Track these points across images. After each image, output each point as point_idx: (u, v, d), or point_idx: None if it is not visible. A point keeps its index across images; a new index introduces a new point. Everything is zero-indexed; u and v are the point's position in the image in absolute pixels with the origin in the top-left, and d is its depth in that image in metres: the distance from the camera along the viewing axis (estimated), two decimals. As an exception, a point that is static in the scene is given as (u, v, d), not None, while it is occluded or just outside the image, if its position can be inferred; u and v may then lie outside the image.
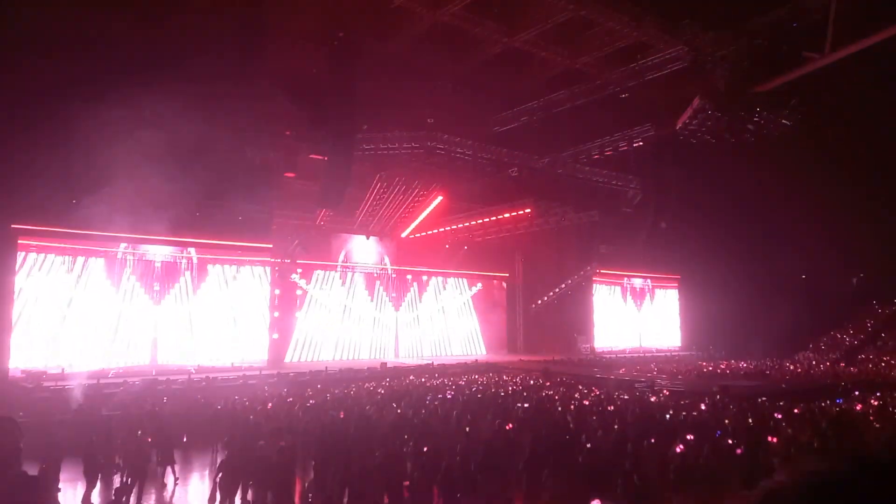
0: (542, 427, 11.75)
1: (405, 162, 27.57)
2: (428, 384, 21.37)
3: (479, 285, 38.77)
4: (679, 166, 30.96)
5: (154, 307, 25.60)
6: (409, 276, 35.70)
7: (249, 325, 27.74)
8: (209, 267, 27.17)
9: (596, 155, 31.66)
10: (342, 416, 12.86)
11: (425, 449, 9.58)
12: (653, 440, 10.24)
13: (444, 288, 37.32)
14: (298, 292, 30.88)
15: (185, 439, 13.06)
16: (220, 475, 9.21)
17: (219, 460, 10.19)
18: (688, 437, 10.31)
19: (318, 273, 31.84)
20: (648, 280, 43.40)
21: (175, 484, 11.29)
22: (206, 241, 26.39)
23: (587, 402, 15.85)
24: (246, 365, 25.62)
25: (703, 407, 14.75)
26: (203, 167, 20.62)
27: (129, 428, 11.90)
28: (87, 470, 9.96)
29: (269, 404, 15.17)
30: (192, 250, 26.65)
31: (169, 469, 11.43)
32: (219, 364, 25.39)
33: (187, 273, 26.57)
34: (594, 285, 39.92)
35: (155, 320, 25.45)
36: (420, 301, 36.04)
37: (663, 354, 39.08)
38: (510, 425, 11.65)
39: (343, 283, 32.77)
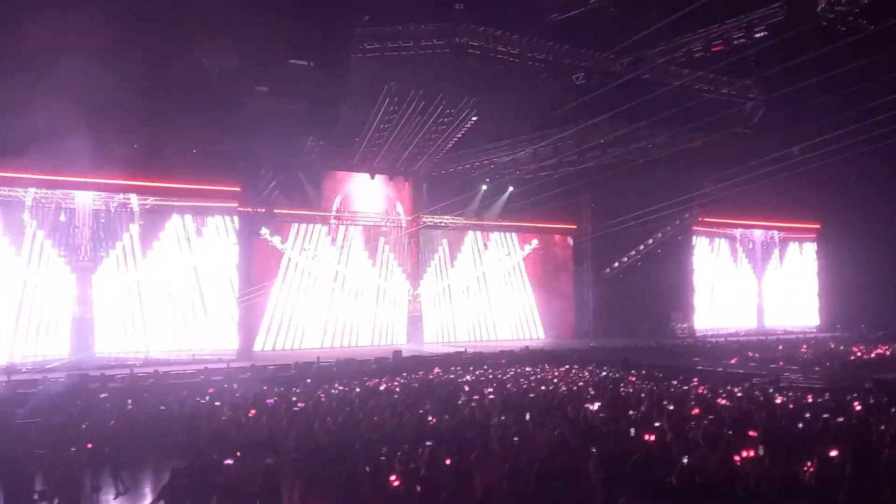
0: (619, 439, 11.85)
1: (425, 67, 27.35)
2: (460, 381, 21.62)
3: (535, 242, 38.89)
4: (819, 67, 30.13)
5: (81, 276, 26.17)
6: (433, 232, 35.88)
7: (214, 301, 28.23)
8: (158, 220, 27.66)
9: (699, 51, 30.89)
10: (339, 420, 13.12)
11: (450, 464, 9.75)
12: (776, 456, 10.26)
13: (486, 247, 37.51)
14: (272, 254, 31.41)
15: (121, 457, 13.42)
16: (161, 502, 9.50)
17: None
18: (830, 452, 10.33)
19: (300, 228, 32.17)
20: (774, 232, 42.89)
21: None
22: (150, 184, 26.78)
23: (689, 404, 15.90)
24: (209, 356, 26.30)
25: (856, 408, 14.74)
26: (141, 80, 20.72)
27: (52, 441, 12.31)
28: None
29: (252, 411, 15.47)
30: (132, 197, 27.01)
31: (108, 497, 11.83)
32: (173, 354, 26.11)
33: (131, 229, 27.02)
34: (695, 239, 39.58)
35: (83, 295, 26.04)
36: (451, 266, 36.32)
37: (794, 336, 38.84)
38: (573, 437, 11.78)
39: (334, 242, 33.08)
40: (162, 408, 16.54)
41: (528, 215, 37.35)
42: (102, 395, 18.33)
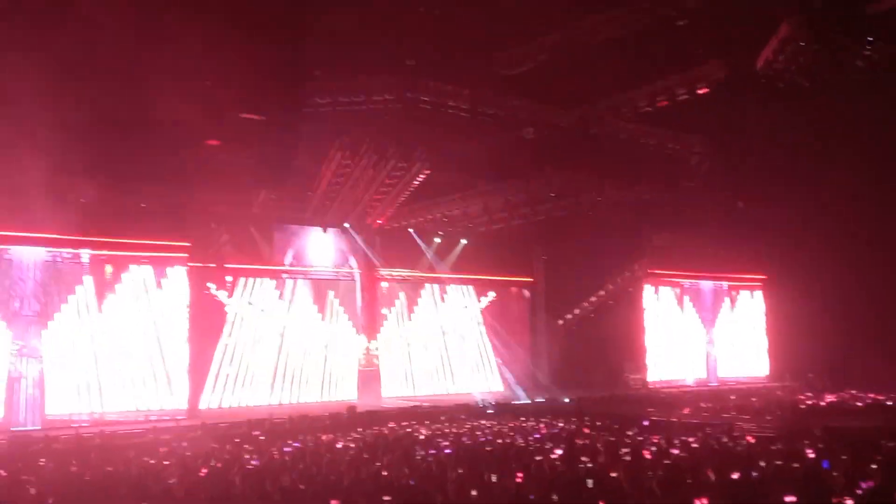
0: (578, 490, 11.79)
1: (376, 121, 27.55)
2: (415, 434, 21.45)
3: (492, 294, 39.05)
4: (761, 120, 31.07)
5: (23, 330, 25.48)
6: (389, 285, 35.87)
7: (167, 357, 27.58)
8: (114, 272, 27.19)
9: (645, 106, 31.63)
10: (294, 476, 12.86)
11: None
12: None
13: (443, 299, 37.69)
14: (225, 309, 30.97)
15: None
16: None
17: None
18: (786, 499, 10.39)
19: (246, 282, 31.79)
20: (723, 283, 43.57)
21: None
22: (98, 240, 26.31)
23: (646, 453, 15.93)
24: (157, 414, 25.83)
25: (810, 454, 14.87)
26: (90, 132, 20.58)
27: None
28: None
29: (203, 470, 15.11)
30: (85, 252, 26.51)
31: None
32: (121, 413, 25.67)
33: (84, 281, 26.50)
34: (645, 291, 40.05)
35: (16, 349, 25.24)
36: (408, 319, 36.34)
37: (744, 386, 39.25)
38: (532, 488, 11.68)
39: (282, 297, 32.81)
40: (109, 469, 16.06)
41: (482, 267, 37.52)
42: (41, 461, 17.77)
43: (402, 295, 36.49)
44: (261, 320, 31.98)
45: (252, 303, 31.82)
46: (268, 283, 32.37)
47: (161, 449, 19.64)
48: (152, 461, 17.13)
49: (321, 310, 33.80)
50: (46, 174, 22.42)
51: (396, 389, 35.11)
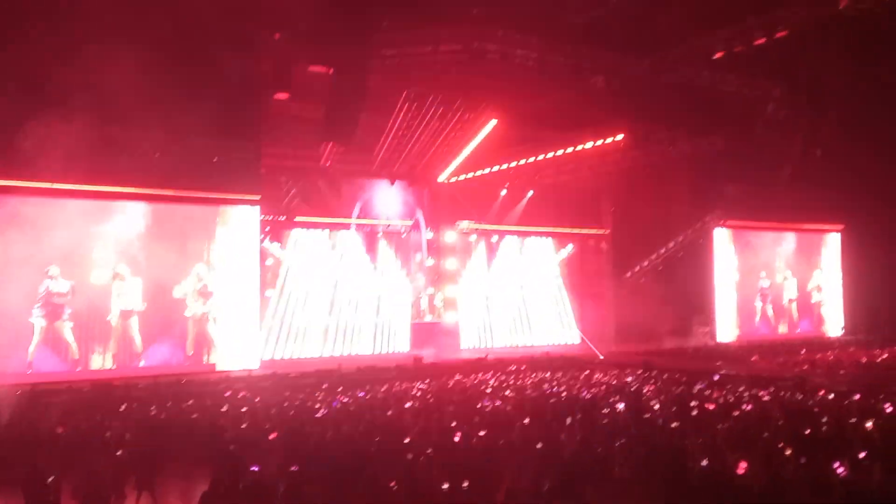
0: (642, 440, 11.83)
1: (443, 72, 27.37)
2: (482, 386, 21.66)
3: (571, 247, 39.12)
4: (844, 64, 29.89)
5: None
6: (459, 237, 35.98)
7: (238, 310, 28.22)
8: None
9: (720, 52, 30.69)
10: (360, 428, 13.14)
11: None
12: (802, 460, 10.20)
13: (521, 252, 37.85)
14: (269, 262, 31.28)
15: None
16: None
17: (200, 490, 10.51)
18: (859, 454, 10.27)
19: (299, 233, 32.12)
20: (797, 234, 42.53)
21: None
22: (173, 193, 26.76)
23: (711, 406, 15.86)
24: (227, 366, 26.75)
25: (887, 409, 14.64)
26: (159, 88, 20.92)
27: (78, 448, 12.43)
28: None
29: (268, 426, 15.46)
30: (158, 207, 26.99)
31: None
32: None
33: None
34: (717, 242, 39.35)
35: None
36: (486, 271, 36.69)
37: (817, 340, 38.50)
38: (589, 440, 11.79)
39: (334, 248, 32.99)
40: (194, 416, 16.71)
41: (554, 219, 37.41)
42: (123, 406, 18.49)
43: (480, 247, 36.65)
44: (316, 272, 32.33)
45: (306, 256, 32.16)
46: (321, 236, 32.67)
47: (240, 394, 20.32)
48: (224, 409, 17.70)
49: (373, 262, 33.95)
50: (120, 129, 22.92)
51: (471, 341, 35.45)
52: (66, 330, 25.21)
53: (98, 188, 25.42)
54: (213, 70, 24.14)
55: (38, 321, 24.69)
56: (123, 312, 26.06)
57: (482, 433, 12.64)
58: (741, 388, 19.76)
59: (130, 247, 26.24)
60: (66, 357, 25.21)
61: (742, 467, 9.62)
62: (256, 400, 19.23)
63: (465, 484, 9.54)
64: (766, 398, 17.92)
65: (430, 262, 35.60)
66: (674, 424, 13.44)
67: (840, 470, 9.48)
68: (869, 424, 13.02)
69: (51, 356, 24.94)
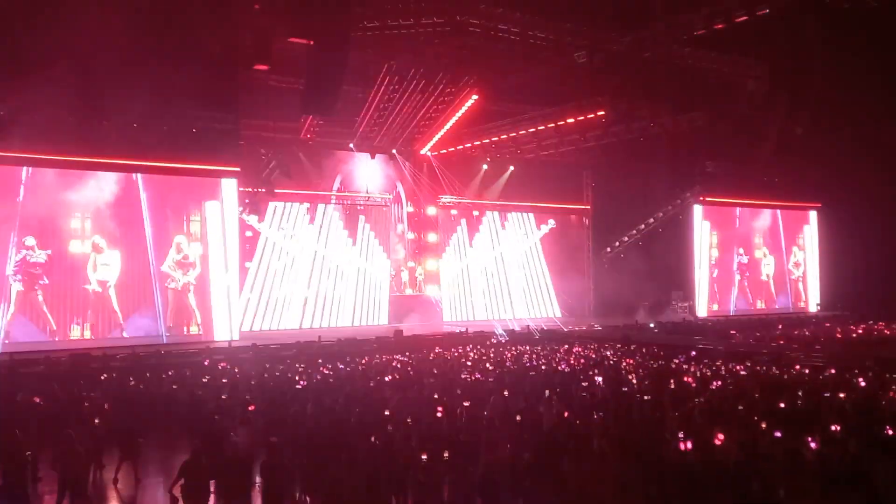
0: (619, 414, 11.94)
1: (424, 45, 27.20)
2: (462, 359, 21.71)
3: (552, 223, 39.13)
4: (824, 43, 29.96)
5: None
6: (433, 211, 35.90)
7: (215, 281, 28.06)
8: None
9: (700, 30, 30.69)
10: (340, 399, 13.15)
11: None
12: (778, 433, 10.29)
13: (503, 227, 37.91)
14: (248, 234, 31.09)
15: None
16: (181, 481, 9.54)
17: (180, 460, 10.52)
18: (832, 427, 10.37)
19: (279, 205, 31.91)
20: (775, 211, 42.81)
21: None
22: (151, 164, 26.48)
23: (689, 381, 16.00)
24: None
25: (861, 383, 14.84)
26: (139, 59, 20.70)
27: (55, 419, 12.37)
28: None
29: (248, 395, 15.48)
30: (138, 177, 26.79)
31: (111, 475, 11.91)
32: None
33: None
34: (696, 218, 39.56)
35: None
36: (468, 246, 36.73)
37: (794, 316, 38.91)
38: (568, 413, 11.85)
39: (312, 221, 32.81)
40: (174, 387, 16.80)
41: (530, 195, 37.34)
42: (103, 376, 18.43)
43: (461, 221, 36.66)
44: (294, 246, 32.22)
45: (285, 228, 32.01)
46: (300, 209, 32.48)
47: (220, 365, 20.30)
48: (205, 380, 17.68)
49: (352, 235, 33.79)
50: (98, 99, 22.66)
51: (452, 314, 35.54)
52: (42, 300, 25.04)
53: (76, 158, 25.19)
54: (192, 41, 23.83)
55: (14, 292, 24.51)
56: (101, 283, 25.90)
57: (464, 404, 12.70)
58: (718, 363, 19.94)
59: (108, 218, 26.07)
60: (44, 328, 25.06)
61: (719, 438, 9.72)
62: (236, 371, 19.24)
63: (445, 455, 9.60)
64: (743, 373, 18.10)
65: (410, 235, 35.53)
66: (651, 398, 13.55)
67: (812, 444, 9.58)
68: (843, 397, 13.21)
69: (28, 327, 24.81)
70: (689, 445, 9.75)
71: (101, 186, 25.90)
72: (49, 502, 10.46)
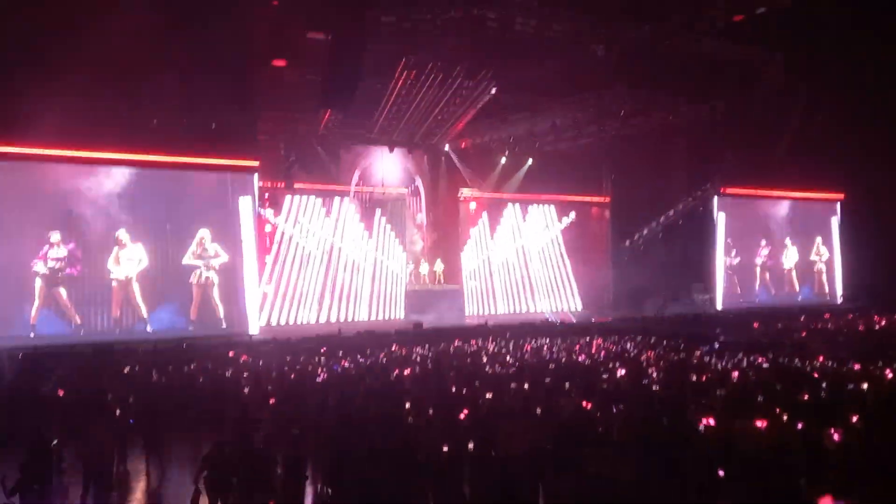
0: (639, 404, 11.91)
1: (442, 39, 27.17)
2: (481, 353, 21.75)
3: (573, 215, 38.89)
4: (842, 34, 29.68)
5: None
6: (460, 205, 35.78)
7: (237, 275, 28.22)
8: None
9: (720, 19, 30.48)
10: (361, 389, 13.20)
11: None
12: (800, 425, 10.25)
13: (524, 220, 37.70)
14: (267, 228, 31.04)
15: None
16: (204, 473, 9.60)
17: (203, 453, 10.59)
18: (852, 418, 10.31)
19: (294, 200, 31.70)
20: (796, 202, 42.45)
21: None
22: (172, 159, 26.74)
23: (710, 373, 15.93)
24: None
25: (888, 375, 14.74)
26: (158, 55, 20.83)
27: (78, 412, 12.52)
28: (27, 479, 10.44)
29: (269, 387, 15.58)
30: (160, 172, 26.95)
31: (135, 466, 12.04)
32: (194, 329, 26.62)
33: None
34: (716, 210, 39.30)
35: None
36: (491, 239, 36.59)
37: (815, 307, 38.59)
38: (588, 403, 11.85)
39: (332, 214, 32.57)
40: (200, 380, 16.96)
41: (550, 187, 37.21)
42: (126, 369, 18.59)
43: (485, 215, 36.48)
44: (311, 239, 32.10)
45: (302, 222, 31.87)
46: (317, 203, 32.21)
47: (242, 359, 20.42)
48: (227, 373, 17.80)
49: (369, 228, 33.44)
50: (117, 96, 22.83)
51: (471, 308, 35.38)
52: (67, 294, 25.34)
53: (95, 154, 25.49)
54: (211, 36, 23.98)
55: (39, 286, 24.81)
56: (124, 277, 26.18)
57: (484, 397, 12.73)
58: (740, 354, 19.84)
59: (130, 213, 26.26)
60: (69, 322, 25.36)
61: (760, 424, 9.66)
62: (259, 364, 19.36)
63: (467, 446, 9.62)
64: (765, 365, 18.00)
65: (429, 229, 35.50)
66: (672, 390, 13.52)
67: (836, 436, 9.53)
68: (866, 389, 13.12)
69: (53, 320, 25.11)
70: (710, 437, 9.72)
71: (124, 181, 26.11)
72: (74, 494, 10.56)
